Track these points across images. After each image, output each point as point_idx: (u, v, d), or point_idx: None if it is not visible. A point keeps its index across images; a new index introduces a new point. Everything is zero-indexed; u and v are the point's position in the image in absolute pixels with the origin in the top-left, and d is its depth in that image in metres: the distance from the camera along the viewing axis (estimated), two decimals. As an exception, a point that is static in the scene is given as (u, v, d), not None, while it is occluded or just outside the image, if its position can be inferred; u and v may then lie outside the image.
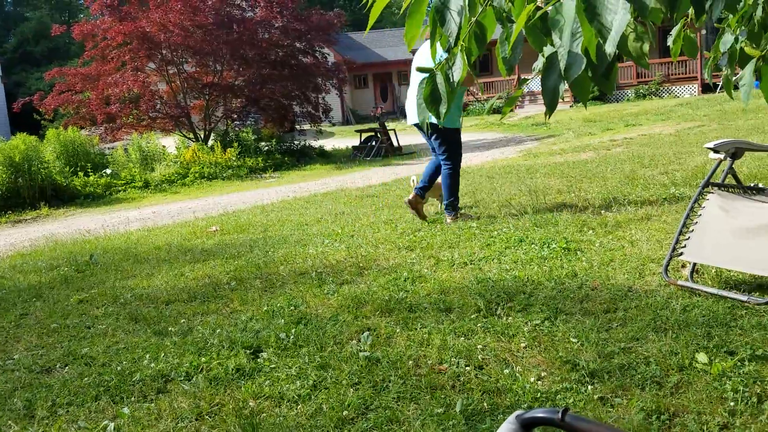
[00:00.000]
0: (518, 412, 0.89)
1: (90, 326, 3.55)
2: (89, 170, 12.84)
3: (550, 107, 1.37)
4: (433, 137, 5.36)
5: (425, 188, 5.56)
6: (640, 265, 3.61)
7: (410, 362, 2.64)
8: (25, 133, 12.51)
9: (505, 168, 10.14)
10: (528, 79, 1.82)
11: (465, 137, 22.69)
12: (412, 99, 5.44)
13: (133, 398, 2.56)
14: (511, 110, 28.28)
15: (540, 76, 1.44)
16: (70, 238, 6.91)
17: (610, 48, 1.05)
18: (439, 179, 5.57)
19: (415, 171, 11.72)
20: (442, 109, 1.56)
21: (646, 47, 1.24)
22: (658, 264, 3.58)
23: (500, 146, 16.04)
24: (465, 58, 1.41)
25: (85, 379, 2.79)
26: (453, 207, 5.50)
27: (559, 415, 0.85)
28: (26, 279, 4.89)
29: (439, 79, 1.54)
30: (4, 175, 10.85)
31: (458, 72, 1.52)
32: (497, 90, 28.26)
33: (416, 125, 5.43)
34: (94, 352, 3.11)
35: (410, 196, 5.61)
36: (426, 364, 2.62)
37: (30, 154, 11.14)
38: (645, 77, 26.48)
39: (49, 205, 10.95)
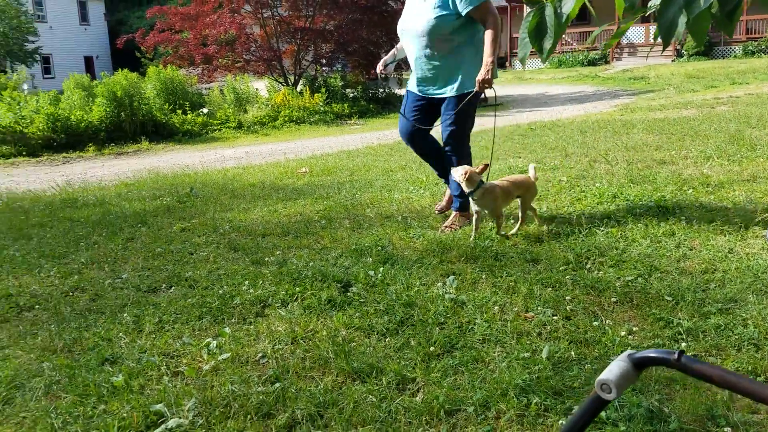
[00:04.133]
0: (629, 351, 0.89)
1: (192, 252, 3.79)
2: (187, 109, 13.37)
3: (666, 39, 1.31)
4: (449, 104, 3.93)
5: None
6: (742, 227, 3.44)
7: (496, 308, 2.67)
8: (126, 70, 13.08)
9: (598, 122, 9.74)
10: (632, 21, 1.71)
11: (557, 90, 21.94)
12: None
13: (233, 320, 2.74)
14: (607, 61, 26.62)
15: (657, 10, 1.37)
16: (171, 172, 7.31)
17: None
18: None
19: (500, 123, 11.47)
20: (547, 44, 1.50)
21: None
22: (762, 227, 3.40)
23: (594, 100, 15.34)
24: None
25: (189, 299, 3.00)
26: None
27: (675, 356, 0.84)
28: (131, 206, 5.25)
29: (549, 11, 1.48)
30: (108, 109, 11.49)
31: (570, 5, 1.46)
32: (593, 41, 26.79)
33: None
34: (197, 275, 3.33)
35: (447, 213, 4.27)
36: (512, 310, 2.64)
37: (131, 90, 11.71)
38: (755, 33, 24.39)
39: (149, 139, 11.56)
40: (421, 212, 4.46)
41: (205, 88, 16.36)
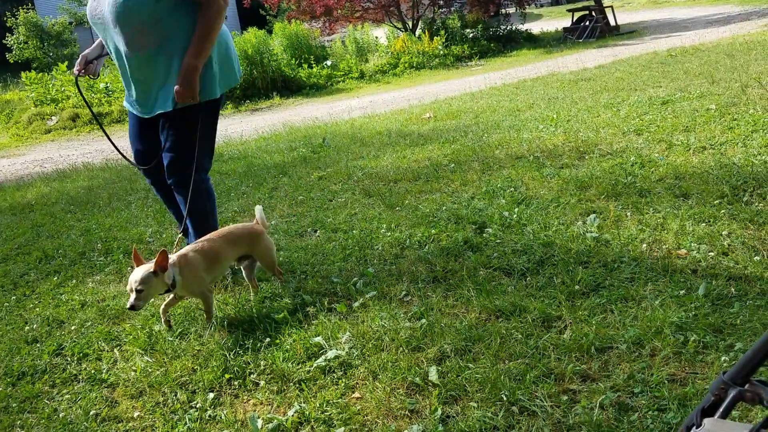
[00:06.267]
0: None
1: (331, 199, 3.97)
2: (312, 62, 13.70)
3: None
4: (169, 127, 2.73)
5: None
6: None
7: (644, 245, 2.57)
8: (254, 28, 13.56)
9: (747, 44, 8.78)
10: None
11: (696, 12, 20.14)
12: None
13: (375, 261, 2.86)
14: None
15: None
16: (303, 124, 7.61)
17: None
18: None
19: (635, 52, 10.65)
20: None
21: None
22: None
23: (740, 20, 13.83)
24: None
25: (333, 243, 3.16)
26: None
27: None
28: (272, 158, 5.55)
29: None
30: (241, 67, 12.06)
31: None
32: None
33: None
34: (337, 221, 3.49)
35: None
36: (661, 248, 2.53)
37: (261, 48, 12.14)
38: None
39: (280, 95, 12.02)
40: (553, 151, 4.33)
41: (327, 41, 16.62)
